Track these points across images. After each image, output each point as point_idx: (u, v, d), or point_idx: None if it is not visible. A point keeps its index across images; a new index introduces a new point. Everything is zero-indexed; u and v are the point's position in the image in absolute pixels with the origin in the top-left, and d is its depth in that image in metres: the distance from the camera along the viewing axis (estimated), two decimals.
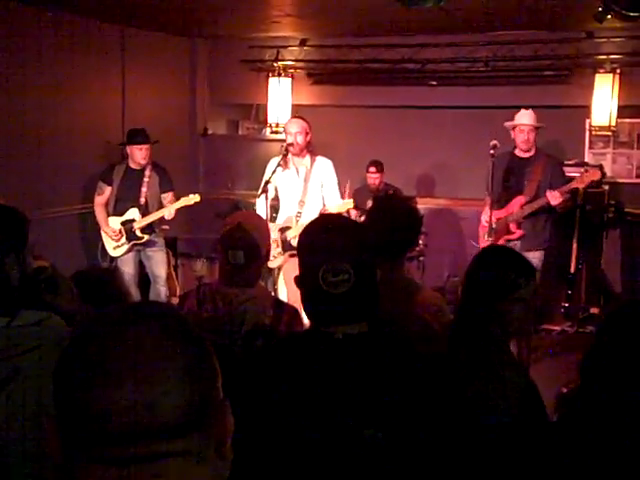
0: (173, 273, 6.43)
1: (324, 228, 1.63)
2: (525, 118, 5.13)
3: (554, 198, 4.88)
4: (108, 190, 5.62)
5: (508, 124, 5.21)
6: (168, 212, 5.50)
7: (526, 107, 5.19)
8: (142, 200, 5.56)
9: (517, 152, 5.21)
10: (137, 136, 5.55)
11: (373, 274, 1.57)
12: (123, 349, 0.83)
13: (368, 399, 1.43)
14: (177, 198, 5.59)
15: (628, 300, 1.69)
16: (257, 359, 1.66)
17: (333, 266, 1.50)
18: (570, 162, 6.22)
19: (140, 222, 5.53)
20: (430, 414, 1.46)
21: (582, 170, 6.06)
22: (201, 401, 0.85)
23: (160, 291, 5.77)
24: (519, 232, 5.10)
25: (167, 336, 0.85)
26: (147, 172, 5.58)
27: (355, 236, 1.59)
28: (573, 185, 5.02)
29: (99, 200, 5.64)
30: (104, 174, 5.67)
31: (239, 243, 2.44)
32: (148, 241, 5.65)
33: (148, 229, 5.60)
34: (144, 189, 5.56)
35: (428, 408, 1.47)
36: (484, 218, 5.28)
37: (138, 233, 5.57)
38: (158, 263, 5.76)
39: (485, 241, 5.08)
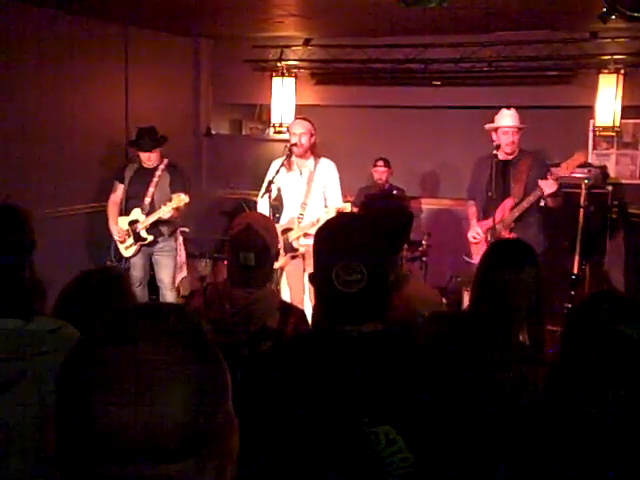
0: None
1: (339, 227, 1.64)
2: (508, 119, 4.85)
3: (548, 186, 4.61)
4: (121, 188, 5.52)
5: (489, 127, 4.93)
6: (163, 212, 5.27)
7: (508, 107, 4.96)
8: (147, 200, 5.41)
9: (500, 155, 4.89)
10: (142, 139, 5.41)
11: (386, 274, 1.58)
12: (126, 365, 0.79)
13: (383, 398, 1.44)
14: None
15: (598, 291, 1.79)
16: (269, 359, 1.66)
17: (347, 265, 1.50)
18: None
19: (143, 222, 5.40)
20: (447, 411, 1.47)
21: (586, 171, 6.08)
22: (202, 423, 0.81)
23: (165, 296, 5.63)
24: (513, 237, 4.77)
25: (172, 355, 0.81)
26: (158, 172, 5.45)
27: (370, 236, 1.59)
28: (560, 173, 4.70)
29: (112, 198, 5.55)
30: (118, 172, 5.58)
31: (250, 244, 2.44)
32: (156, 244, 5.50)
33: (154, 231, 5.44)
34: (151, 189, 5.42)
35: (445, 405, 1.47)
36: (472, 234, 4.97)
37: (143, 234, 5.43)
38: (164, 268, 5.60)
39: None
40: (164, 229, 5.51)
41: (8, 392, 1.44)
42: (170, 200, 5.37)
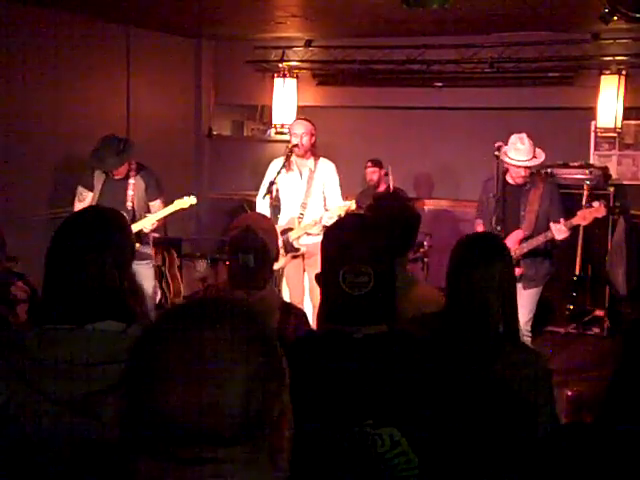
0: (178, 274, 6.44)
1: (348, 229, 1.64)
2: (521, 154, 4.50)
3: (560, 232, 4.38)
4: (90, 196, 4.89)
5: (500, 157, 4.54)
6: (149, 223, 4.81)
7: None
8: (129, 205, 4.84)
9: (509, 178, 4.66)
10: (104, 155, 4.74)
11: (392, 277, 1.58)
12: (189, 352, 0.83)
13: (388, 400, 1.44)
14: (172, 202, 4.99)
15: None
16: None
17: (354, 267, 1.50)
18: (575, 164, 6.22)
19: (136, 226, 4.79)
20: (451, 413, 1.47)
21: (587, 172, 6.07)
22: (260, 411, 0.85)
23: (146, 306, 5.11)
24: (519, 270, 4.47)
25: (236, 342, 0.85)
26: (131, 180, 4.89)
27: (378, 238, 1.59)
28: (575, 222, 4.46)
29: (80, 207, 4.63)
30: (84, 179, 4.92)
31: (249, 246, 2.45)
32: (137, 252, 4.87)
33: (137, 238, 4.74)
34: (130, 192, 4.85)
35: (449, 407, 1.47)
36: None
37: None
38: (143, 278, 5.06)
39: None
40: (144, 236, 4.98)
41: (111, 395, 1.42)
42: (147, 207, 4.95)
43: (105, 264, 1.61)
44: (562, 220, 4.42)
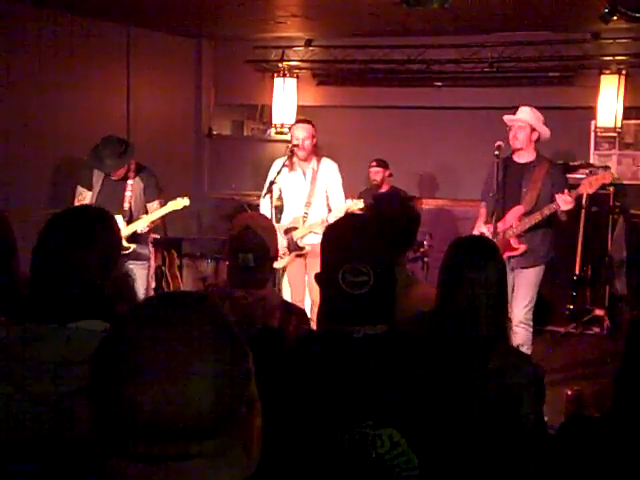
0: (178, 274, 6.44)
1: (347, 228, 1.64)
2: (519, 114, 4.58)
3: (565, 203, 4.26)
4: (89, 196, 4.83)
5: (506, 118, 4.65)
6: (142, 225, 4.75)
7: (529, 106, 4.72)
8: (126, 206, 4.79)
9: (515, 157, 4.62)
10: (103, 156, 4.66)
11: (392, 276, 1.58)
12: (156, 348, 0.83)
13: (388, 400, 1.44)
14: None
15: None
16: (272, 360, 1.66)
17: (354, 267, 1.50)
18: (575, 164, 6.22)
19: (125, 230, 4.69)
20: (450, 413, 1.47)
21: (587, 172, 6.06)
22: (231, 403, 0.85)
23: None
24: (522, 247, 4.47)
25: (202, 337, 0.85)
26: (130, 181, 4.82)
27: (377, 237, 1.60)
28: (581, 190, 4.40)
29: None
30: (82, 178, 4.86)
31: (249, 245, 2.45)
32: (133, 252, 4.80)
33: (133, 239, 4.79)
34: (128, 193, 4.79)
35: (448, 408, 1.47)
36: (476, 233, 4.54)
37: (124, 243, 4.61)
38: (138, 279, 4.93)
39: None
40: (141, 238, 4.91)
41: None
42: (145, 208, 4.88)
43: (89, 263, 1.61)
44: (566, 190, 4.33)
